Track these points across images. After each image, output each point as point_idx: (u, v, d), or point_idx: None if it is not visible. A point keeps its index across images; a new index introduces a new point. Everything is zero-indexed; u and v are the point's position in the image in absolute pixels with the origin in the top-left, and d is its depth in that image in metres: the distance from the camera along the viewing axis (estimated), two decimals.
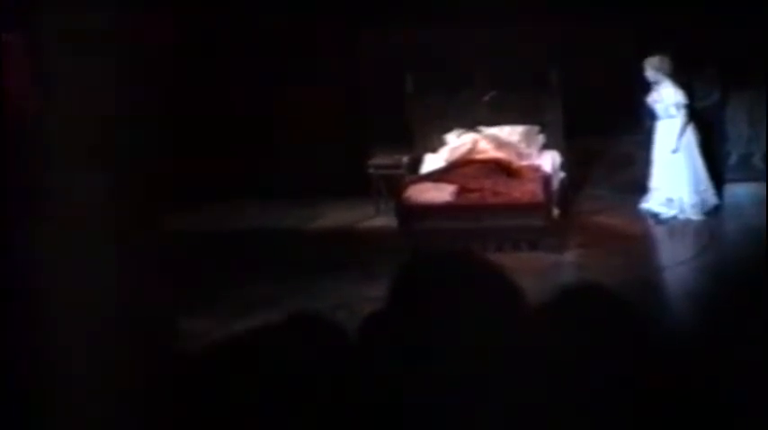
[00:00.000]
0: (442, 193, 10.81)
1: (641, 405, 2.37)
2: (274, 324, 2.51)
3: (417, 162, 11.77)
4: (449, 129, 11.87)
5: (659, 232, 11.05)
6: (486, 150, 11.55)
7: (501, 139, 11.69)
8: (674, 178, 11.04)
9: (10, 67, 7.60)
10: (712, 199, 11.21)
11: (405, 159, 11.82)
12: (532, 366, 2.33)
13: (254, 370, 2.45)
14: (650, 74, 11.05)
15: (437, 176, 11.25)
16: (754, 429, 2.54)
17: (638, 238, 10.96)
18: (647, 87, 11.13)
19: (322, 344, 2.47)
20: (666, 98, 11.03)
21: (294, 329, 2.50)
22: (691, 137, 11.11)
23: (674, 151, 11.02)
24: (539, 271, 9.51)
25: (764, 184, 10.96)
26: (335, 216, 11.91)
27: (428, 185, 11.01)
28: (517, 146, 11.66)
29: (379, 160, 11.97)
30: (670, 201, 11.06)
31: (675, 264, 10.18)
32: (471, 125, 11.86)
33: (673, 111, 11.03)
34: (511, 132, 11.79)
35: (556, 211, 10.70)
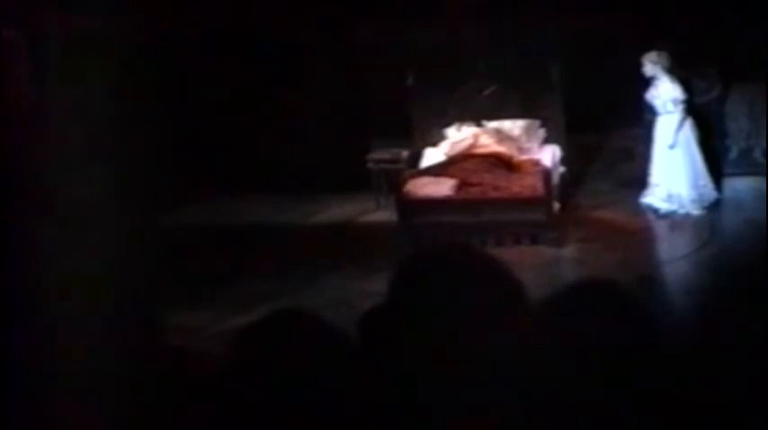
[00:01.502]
0: (442, 188, 10.81)
1: (642, 400, 2.38)
2: (258, 323, 2.51)
3: (417, 156, 11.77)
4: (449, 124, 11.87)
5: (659, 227, 11.05)
6: (488, 145, 11.54)
7: (503, 133, 11.68)
8: (674, 173, 11.04)
9: (10, 65, 7.60)
10: (712, 193, 11.21)
11: (405, 154, 11.81)
12: (534, 361, 2.33)
13: (246, 368, 2.45)
14: (648, 69, 11.04)
15: (437, 171, 11.24)
16: (755, 428, 2.54)
17: (638, 233, 10.96)
18: (647, 82, 11.12)
19: (311, 341, 2.46)
20: (664, 94, 11.03)
21: (281, 327, 2.50)
22: (689, 132, 11.10)
23: (672, 146, 11.02)
24: (539, 265, 9.52)
25: (765, 179, 10.97)
26: (336, 210, 11.91)
27: (428, 180, 11.01)
28: (519, 140, 11.65)
29: (380, 155, 11.97)
30: (670, 196, 11.06)
31: (675, 258, 10.18)
32: (472, 120, 11.87)
33: (670, 106, 11.02)
34: (512, 127, 11.79)
35: (556, 206, 10.70)
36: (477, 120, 11.86)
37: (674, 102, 11.00)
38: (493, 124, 11.82)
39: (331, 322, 2.50)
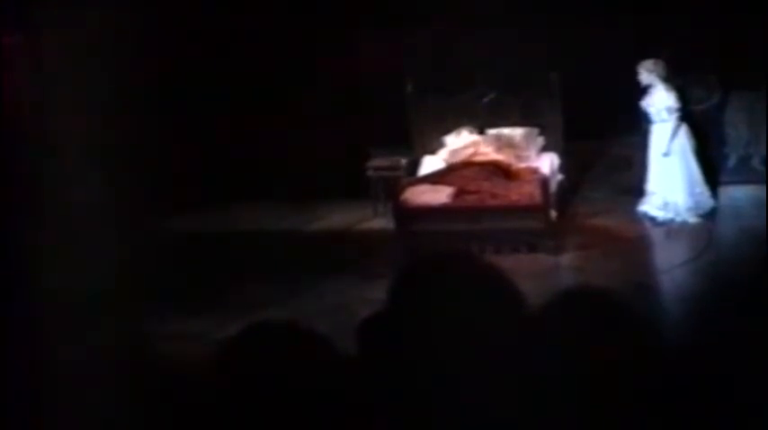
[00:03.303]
0: (439, 195, 10.81)
1: (638, 408, 2.38)
2: (236, 337, 2.52)
3: (416, 164, 11.77)
4: (448, 131, 11.87)
5: (657, 235, 11.06)
6: (487, 153, 11.54)
7: (504, 139, 11.67)
8: (669, 181, 11.05)
9: (10, 67, 7.61)
10: (708, 201, 11.21)
11: (404, 161, 11.82)
12: (531, 368, 2.34)
13: (229, 383, 2.46)
14: (644, 77, 11.05)
15: (435, 178, 11.24)
16: None
17: (637, 241, 10.97)
18: (645, 90, 11.14)
19: (293, 351, 2.47)
20: (658, 102, 11.03)
21: (260, 339, 2.51)
22: (684, 140, 11.11)
23: (666, 154, 11.03)
24: (537, 273, 9.51)
25: (763, 187, 10.97)
26: (334, 218, 11.91)
27: (426, 187, 11.01)
28: (518, 147, 11.65)
29: (378, 162, 11.98)
30: (666, 204, 11.07)
31: (674, 266, 10.18)
32: (472, 127, 11.88)
33: (665, 115, 11.03)
34: (511, 134, 11.79)
35: (554, 214, 10.69)
36: (478, 127, 11.87)
37: (669, 110, 11.01)
38: (492, 132, 11.83)
39: (313, 330, 2.51)
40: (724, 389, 2.58)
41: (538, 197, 10.49)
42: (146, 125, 9.97)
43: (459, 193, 10.82)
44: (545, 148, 11.85)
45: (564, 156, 11.80)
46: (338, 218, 11.92)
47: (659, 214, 11.11)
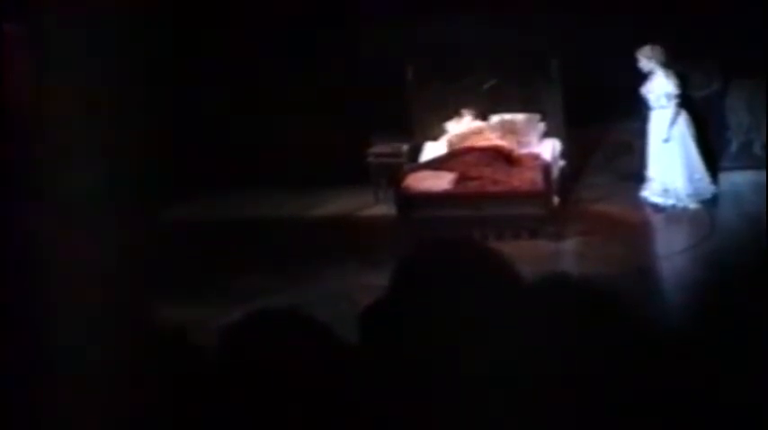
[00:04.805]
0: (441, 182, 10.80)
1: (638, 396, 2.38)
2: (239, 322, 2.52)
3: (417, 150, 11.76)
4: (449, 118, 11.86)
5: (658, 220, 11.06)
6: (491, 139, 11.54)
7: (506, 125, 11.65)
8: (669, 168, 11.04)
9: (10, 58, 7.60)
10: (709, 187, 11.19)
11: (404, 148, 11.81)
12: (533, 355, 2.34)
13: (231, 368, 2.46)
14: (643, 63, 11.03)
15: (437, 164, 11.24)
16: (754, 426, 2.54)
17: (638, 227, 10.97)
18: (646, 76, 11.12)
19: (294, 339, 2.47)
20: (657, 88, 11.01)
21: (262, 325, 2.51)
22: (683, 126, 11.09)
23: (666, 141, 11.01)
24: (539, 259, 9.52)
25: (764, 172, 10.96)
26: (335, 204, 11.90)
27: (427, 173, 11.00)
28: (522, 132, 11.64)
29: (380, 149, 11.97)
30: (665, 190, 11.07)
31: (676, 252, 10.19)
32: (474, 111, 11.87)
33: (664, 101, 11.01)
34: (512, 120, 11.79)
35: (556, 200, 10.70)
36: (480, 113, 11.86)
37: (668, 96, 10.99)
38: (494, 117, 11.83)
39: (313, 318, 2.51)
40: (723, 377, 2.58)
41: (540, 183, 10.49)
42: (146, 112, 9.96)
43: (460, 180, 10.82)
44: (546, 134, 11.84)
45: (565, 141, 11.79)
46: (339, 204, 11.91)
47: (659, 200, 11.10)
